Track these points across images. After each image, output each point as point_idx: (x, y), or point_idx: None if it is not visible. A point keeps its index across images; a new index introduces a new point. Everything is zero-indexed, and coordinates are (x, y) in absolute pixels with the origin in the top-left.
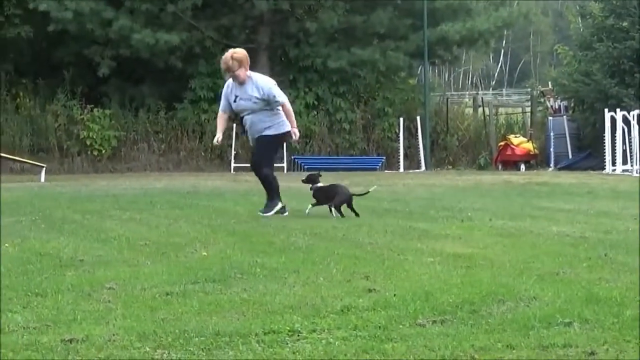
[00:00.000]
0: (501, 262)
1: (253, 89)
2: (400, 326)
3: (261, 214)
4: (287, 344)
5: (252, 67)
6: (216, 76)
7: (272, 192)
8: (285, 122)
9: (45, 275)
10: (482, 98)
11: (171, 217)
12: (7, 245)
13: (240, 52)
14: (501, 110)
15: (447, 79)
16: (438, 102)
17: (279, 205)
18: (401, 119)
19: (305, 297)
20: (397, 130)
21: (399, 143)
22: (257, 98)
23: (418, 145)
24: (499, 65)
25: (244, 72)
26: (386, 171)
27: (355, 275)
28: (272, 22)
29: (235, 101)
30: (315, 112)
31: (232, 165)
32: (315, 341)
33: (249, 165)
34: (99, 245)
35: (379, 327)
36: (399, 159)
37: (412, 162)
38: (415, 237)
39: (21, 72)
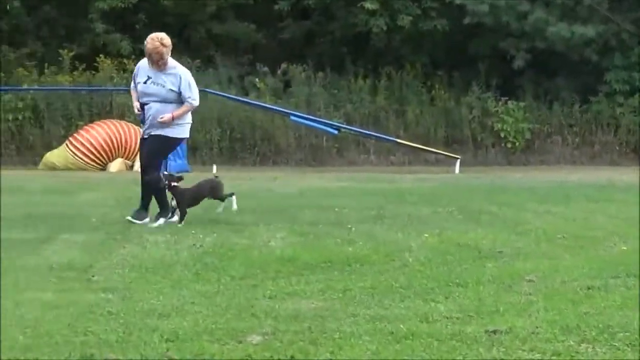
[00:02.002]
0: None
1: (171, 77)
2: None
3: (132, 219)
4: None
5: None
6: (633, 69)
7: (148, 201)
8: (188, 126)
9: (465, 266)
10: None
11: (587, 211)
12: (426, 235)
13: (168, 39)
14: None
15: None
16: None
17: (147, 219)
18: None
19: None
20: None
21: None
22: (172, 89)
23: None
24: None
25: (169, 59)
26: None
27: None
28: None
29: (145, 83)
30: None
31: None
32: None
33: None
34: (517, 238)
35: None
36: None
37: None
38: None
39: (436, 64)
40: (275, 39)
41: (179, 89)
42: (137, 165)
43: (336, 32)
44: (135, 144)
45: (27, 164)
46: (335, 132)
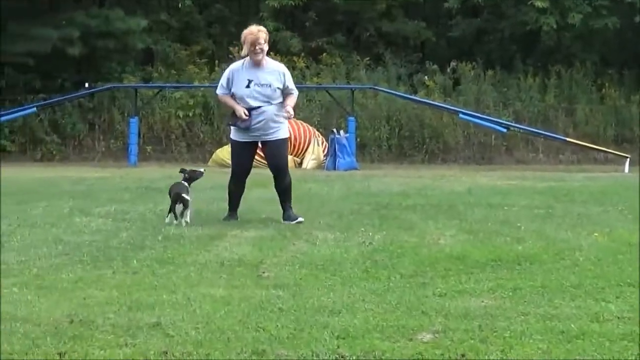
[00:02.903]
0: None
1: (274, 75)
2: None
3: (290, 222)
4: None
5: None
6: None
7: (290, 198)
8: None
9: (636, 265)
10: None
11: None
12: (596, 234)
13: (264, 28)
14: None
15: None
16: None
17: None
18: None
19: None
20: None
21: None
22: (278, 87)
23: None
24: None
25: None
26: None
27: None
28: None
29: (248, 86)
30: None
31: None
32: None
33: None
34: None
35: None
36: None
37: None
38: None
39: (607, 63)
40: (444, 37)
41: (284, 84)
42: (305, 163)
43: (506, 30)
44: (306, 141)
45: (197, 160)
46: (504, 130)
